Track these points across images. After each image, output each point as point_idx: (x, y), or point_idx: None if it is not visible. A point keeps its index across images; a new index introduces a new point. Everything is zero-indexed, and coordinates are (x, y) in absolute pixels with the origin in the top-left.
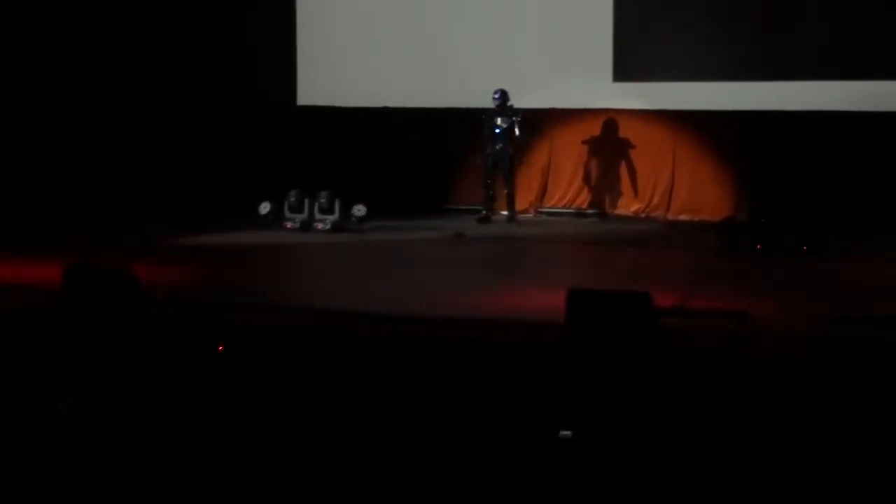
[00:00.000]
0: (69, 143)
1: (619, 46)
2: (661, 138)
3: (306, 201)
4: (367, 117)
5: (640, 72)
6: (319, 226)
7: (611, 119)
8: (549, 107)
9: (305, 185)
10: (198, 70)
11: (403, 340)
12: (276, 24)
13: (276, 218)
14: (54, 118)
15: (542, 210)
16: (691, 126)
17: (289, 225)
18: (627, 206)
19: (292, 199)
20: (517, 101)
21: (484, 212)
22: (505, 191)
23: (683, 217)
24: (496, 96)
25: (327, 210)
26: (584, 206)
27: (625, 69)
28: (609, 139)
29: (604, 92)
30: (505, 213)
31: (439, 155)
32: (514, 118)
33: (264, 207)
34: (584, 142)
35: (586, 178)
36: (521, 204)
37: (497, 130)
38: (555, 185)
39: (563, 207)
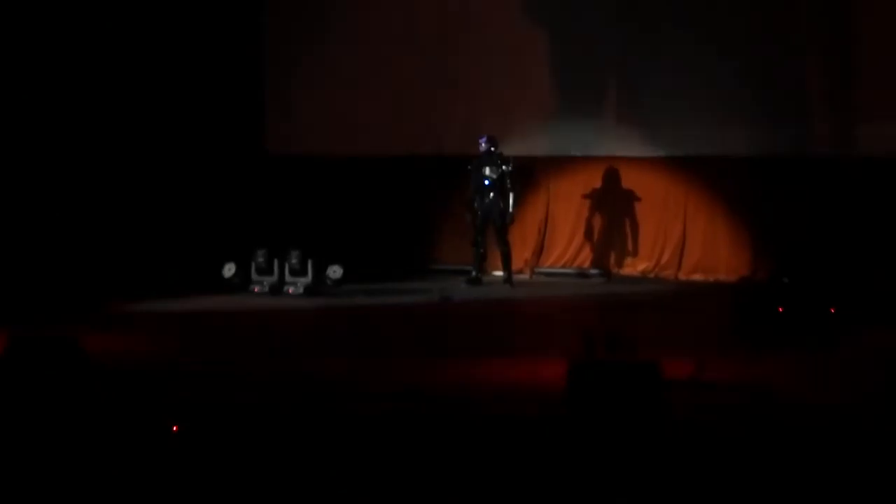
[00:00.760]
0: (16, 199)
1: (623, 85)
2: (671, 188)
3: (276, 262)
4: (342, 167)
5: (644, 113)
6: (290, 289)
7: (613, 167)
8: (544, 154)
9: (274, 244)
10: (158, 116)
11: (380, 416)
12: (244, 67)
13: (242, 281)
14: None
15: (540, 270)
16: (704, 174)
17: (256, 288)
18: (634, 265)
19: (260, 259)
20: (506, 148)
21: (473, 272)
22: (497, 249)
23: (697, 277)
24: (483, 142)
25: (299, 272)
26: (586, 266)
27: (628, 110)
28: (612, 190)
29: (605, 136)
30: (497, 273)
31: (423, 208)
32: (503, 167)
33: (229, 270)
34: (584, 195)
35: (588, 234)
36: (515, 263)
37: (486, 182)
38: (553, 241)
39: (563, 267)
